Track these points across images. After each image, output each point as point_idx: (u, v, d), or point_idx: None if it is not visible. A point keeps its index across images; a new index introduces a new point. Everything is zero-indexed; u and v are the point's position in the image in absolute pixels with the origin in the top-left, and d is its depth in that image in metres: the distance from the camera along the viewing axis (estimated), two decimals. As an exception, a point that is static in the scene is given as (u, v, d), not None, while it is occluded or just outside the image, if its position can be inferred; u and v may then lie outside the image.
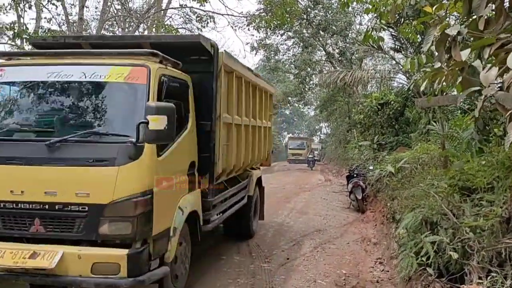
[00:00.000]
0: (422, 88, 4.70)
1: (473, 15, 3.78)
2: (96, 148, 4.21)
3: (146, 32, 21.62)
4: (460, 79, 3.93)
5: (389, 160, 12.97)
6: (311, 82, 37.94)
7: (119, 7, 20.47)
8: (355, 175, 14.35)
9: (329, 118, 52.11)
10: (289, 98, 41.01)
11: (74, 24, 17.69)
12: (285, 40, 35.83)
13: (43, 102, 4.62)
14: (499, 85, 3.63)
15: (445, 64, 3.94)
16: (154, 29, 18.21)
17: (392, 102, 17.86)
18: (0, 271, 4.05)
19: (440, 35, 3.87)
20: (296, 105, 58.39)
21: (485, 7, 3.62)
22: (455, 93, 9.69)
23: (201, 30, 18.01)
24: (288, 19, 17.99)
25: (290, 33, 34.25)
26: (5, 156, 4.28)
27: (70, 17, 18.05)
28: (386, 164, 12.35)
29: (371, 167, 14.50)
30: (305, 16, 31.42)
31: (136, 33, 19.02)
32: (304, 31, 33.72)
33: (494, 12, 3.84)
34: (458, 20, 7.94)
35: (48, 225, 4.21)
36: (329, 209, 13.96)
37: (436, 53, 4.07)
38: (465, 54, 3.75)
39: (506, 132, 3.10)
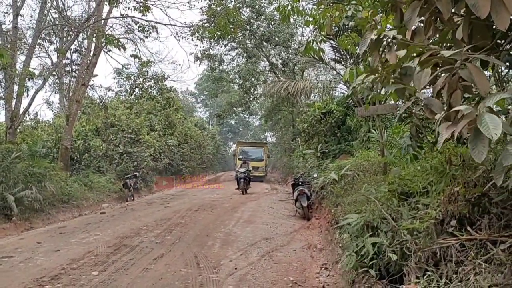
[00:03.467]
0: (361, 95, 4.90)
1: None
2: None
3: (85, 42, 21.16)
4: (392, 80, 4.07)
5: (332, 168, 13.31)
6: (256, 92, 38.26)
7: (56, 15, 19.81)
8: (300, 183, 14.60)
9: (274, 127, 52.87)
10: (234, 108, 41.08)
11: (8, 33, 16.94)
12: (229, 51, 36.08)
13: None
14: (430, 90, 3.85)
15: (380, 66, 4.11)
16: (94, 39, 17.78)
17: (334, 111, 18.36)
18: None
19: (376, 39, 4.07)
20: (241, 114, 58.81)
21: (416, 21, 3.87)
22: (392, 102, 10.15)
23: (144, 40, 17.77)
24: (232, 29, 18.16)
25: (233, 44, 34.48)
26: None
27: (3, 26, 17.26)
28: (330, 172, 12.67)
29: (315, 175, 14.81)
30: (248, 27, 31.78)
31: (75, 43, 18.47)
32: (248, 41, 34.05)
33: (423, 24, 4.10)
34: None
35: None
36: (276, 218, 14.10)
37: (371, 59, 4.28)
38: (400, 55, 3.94)
39: (438, 135, 3.29)
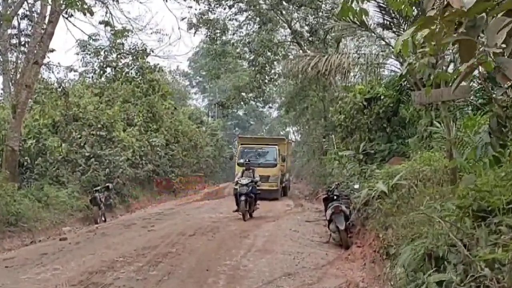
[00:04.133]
0: (419, 75, 4.85)
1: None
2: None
3: (38, 4, 21.33)
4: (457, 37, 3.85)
5: (380, 176, 13.22)
6: (273, 71, 38.29)
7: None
8: (335, 198, 14.57)
9: (299, 120, 52.82)
10: (243, 93, 41.15)
11: None
12: (236, 14, 36.10)
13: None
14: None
15: (438, 15, 3.94)
16: (50, 0, 17.94)
17: (382, 97, 18.29)
18: None
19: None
20: (253, 103, 58.88)
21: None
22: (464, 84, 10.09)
23: (117, 1, 17.88)
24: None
25: (242, 5, 34.48)
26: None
27: None
28: (377, 181, 12.59)
29: (356, 186, 14.75)
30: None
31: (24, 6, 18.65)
32: (262, 1, 34.00)
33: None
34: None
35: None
36: (302, 245, 14.08)
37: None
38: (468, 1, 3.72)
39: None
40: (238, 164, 29.98)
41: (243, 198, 20.09)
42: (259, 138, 41.96)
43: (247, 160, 23.63)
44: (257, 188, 21.32)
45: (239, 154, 32.22)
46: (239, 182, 20.88)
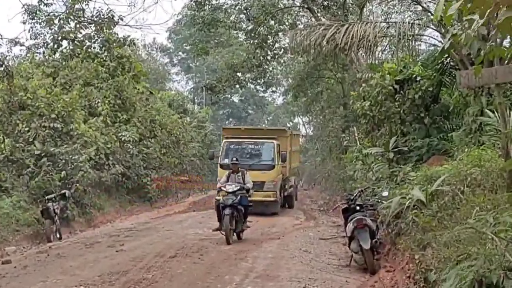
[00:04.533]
0: (467, 50, 4.85)
1: None
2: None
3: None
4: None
5: (416, 180, 13.22)
6: (277, 45, 38.25)
7: None
8: (358, 208, 14.56)
9: (310, 108, 52.76)
10: (239, 74, 41.14)
11: None
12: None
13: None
14: None
15: None
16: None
17: (418, 79, 18.26)
18: None
19: None
20: (252, 86, 58.86)
21: None
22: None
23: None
24: None
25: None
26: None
27: None
28: (412, 187, 12.58)
29: (385, 193, 14.74)
30: None
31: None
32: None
33: None
34: None
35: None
36: (315, 270, 14.07)
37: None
38: None
39: None
40: (221, 166, 28.39)
41: (227, 211, 18.47)
42: (251, 129, 34.95)
43: (234, 159, 21.08)
44: (247, 198, 19.61)
45: (223, 151, 29.94)
46: (223, 189, 19.71)
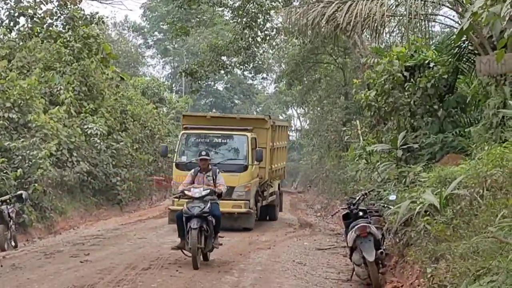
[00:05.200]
0: (488, 32, 4.86)
1: None
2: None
3: None
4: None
5: (428, 182, 13.24)
6: (268, 25, 38.24)
7: None
8: (361, 214, 14.58)
9: (306, 98, 52.77)
10: (224, 58, 41.12)
11: None
12: None
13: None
14: None
15: None
16: None
17: (431, 65, 18.29)
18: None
19: None
20: (239, 72, 58.80)
21: None
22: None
23: None
24: None
25: None
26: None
27: None
28: (423, 190, 12.60)
29: (392, 197, 14.76)
30: None
31: None
32: None
33: None
34: None
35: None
36: (310, 285, 14.13)
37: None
38: None
39: None
40: (177, 166, 26.08)
41: (194, 224, 15.81)
42: (219, 118, 31.53)
43: (204, 153, 18.06)
44: (215, 206, 16.81)
45: (180, 146, 27.04)
46: (187, 193, 16.65)
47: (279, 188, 32.72)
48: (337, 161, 36.32)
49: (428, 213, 11.79)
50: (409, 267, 12.69)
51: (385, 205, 14.98)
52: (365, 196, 15.65)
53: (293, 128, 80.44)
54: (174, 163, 26.63)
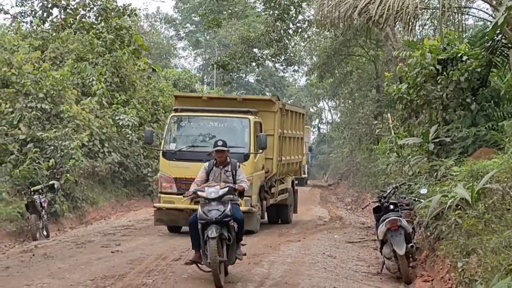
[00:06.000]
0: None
1: None
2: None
3: None
4: None
5: (459, 176, 13.16)
6: (300, 18, 38.15)
7: None
8: (391, 207, 14.51)
9: (338, 91, 52.61)
10: (255, 50, 41.07)
11: None
12: None
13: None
14: None
15: None
16: None
17: (464, 58, 18.15)
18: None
19: None
20: (270, 64, 58.70)
21: None
22: None
23: None
24: None
25: None
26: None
27: None
28: (455, 184, 12.53)
29: (423, 190, 14.68)
30: None
31: None
32: None
33: None
34: None
35: None
36: (340, 278, 14.07)
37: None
38: None
39: None
40: (165, 155, 22.27)
41: (213, 232, 12.71)
42: (219, 99, 26.42)
43: (220, 142, 14.30)
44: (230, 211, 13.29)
45: (168, 132, 22.94)
46: (200, 194, 13.38)
47: (293, 186, 27.85)
48: (368, 154, 36.16)
49: (459, 207, 11.74)
50: (440, 261, 12.62)
51: (416, 199, 14.94)
52: (396, 190, 15.59)
53: (323, 121, 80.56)
54: (161, 152, 22.69)
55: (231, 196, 13.42)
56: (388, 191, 15.36)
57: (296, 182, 46.69)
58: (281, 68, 65.47)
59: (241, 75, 57.80)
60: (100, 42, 31.77)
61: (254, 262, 15.61)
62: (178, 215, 20.84)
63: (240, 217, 13.42)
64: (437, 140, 17.91)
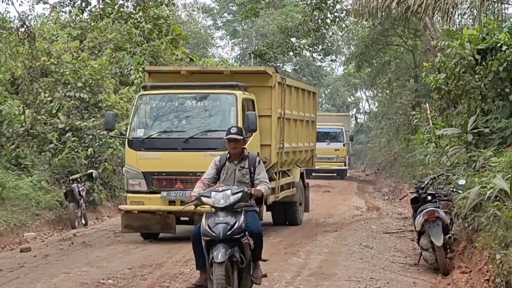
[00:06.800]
0: None
1: None
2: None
3: None
4: None
5: (498, 167, 13.06)
6: (338, 7, 38.02)
7: None
8: (429, 198, 14.44)
9: (376, 81, 52.40)
10: (293, 39, 41.01)
11: None
12: None
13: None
14: None
15: None
16: None
17: (504, 48, 17.98)
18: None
19: None
20: (308, 54, 58.59)
21: None
22: None
23: None
24: None
25: None
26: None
27: None
28: (493, 175, 12.44)
29: (462, 181, 14.59)
30: None
31: None
32: None
33: None
34: None
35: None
36: (377, 268, 14.04)
37: None
38: None
39: None
40: (131, 144, 18.07)
41: (220, 256, 9.59)
42: (200, 73, 20.90)
43: (234, 129, 10.71)
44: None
45: (135, 114, 18.51)
46: (204, 200, 10.06)
47: (302, 179, 23.08)
48: (406, 145, 35.99)
49: (498, 198, 11.65)
50: (478, 253, 12.53)
51: (454, 190, 14.83)
52: (434, 180, 15.49)
53: (361, 111, 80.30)
54: (126, 140, 18.44)
55: (246, 202, 10.19)
56: (426, 182, 15.26)
57: (336, 174, 46.06)
58: (319, 57, 65.40)
59: (278, 64, 57.58)
60: (138, 32, 31.89)
61: (291, 252, 15.63)
62: (151, 219, 17.08)
63: (258, 230, 10.28)
64: (475, 130, 17.78)
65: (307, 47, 42.92)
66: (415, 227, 14.37)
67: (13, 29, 23.82)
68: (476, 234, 13.17)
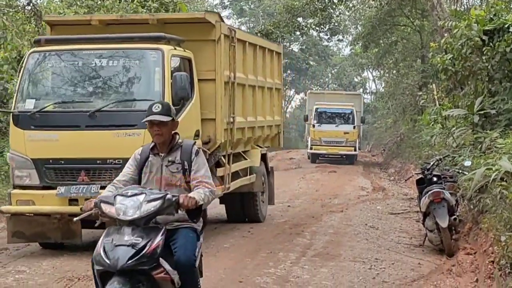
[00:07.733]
0: None
1: None
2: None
3: None
4: None
5: (505, 148, 13.04)
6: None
7: None
8: (435, 179, 14.45)
9: (382, 61, 52.35)
10: (300, 19, 40.93)
11: None
12: None
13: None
14: None
15: None
16: None
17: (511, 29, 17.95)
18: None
19: None
20: (314, 33, 58.52)
21: None
22: None
23: None
24: None
25: None
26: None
27: None
28: (499, 157, 12.42)
29: (467, 163, 14.59)
30: None
31: None
32: None
33: None
34: None
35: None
36: (382, 249, 14.11)
37: None
38: None
39: None
40: (16, 122, 13.34)
41: None
42: (115, 24, 15.59)
43: (157, 106, 7.08)
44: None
45: (25, 80, 13.74)
46: (105, 209, 6.60)
47: (265, 163, 18.70)
48: (412, 125, 35.99)
49: (504, 180, 11.64)
50: (483, 234, 12.55)
51: (460, 171, 14.84)
52: (440, 161, 15.52)
53: (368, 91, 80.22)
54: (10, 116, 13.79)
55: (171, 215, 6.75)
56: (432, 163, 15.29)
57: (344, 158, 43.38)
58: (325, 37, 65.41)
59: (285, 44, 57.53)
60: (145, 11, 31.76)
61: (296, 233, 15.70)
62: (46, 224, 12.85)
63: (187, 261, 6.79)
64: (482, 112, 17.74)
65: (314, 26, 42.94)
66: (420, 208, 14.40)
67: (19, 7, 23.82)
68: (481, 216, 13.20)
